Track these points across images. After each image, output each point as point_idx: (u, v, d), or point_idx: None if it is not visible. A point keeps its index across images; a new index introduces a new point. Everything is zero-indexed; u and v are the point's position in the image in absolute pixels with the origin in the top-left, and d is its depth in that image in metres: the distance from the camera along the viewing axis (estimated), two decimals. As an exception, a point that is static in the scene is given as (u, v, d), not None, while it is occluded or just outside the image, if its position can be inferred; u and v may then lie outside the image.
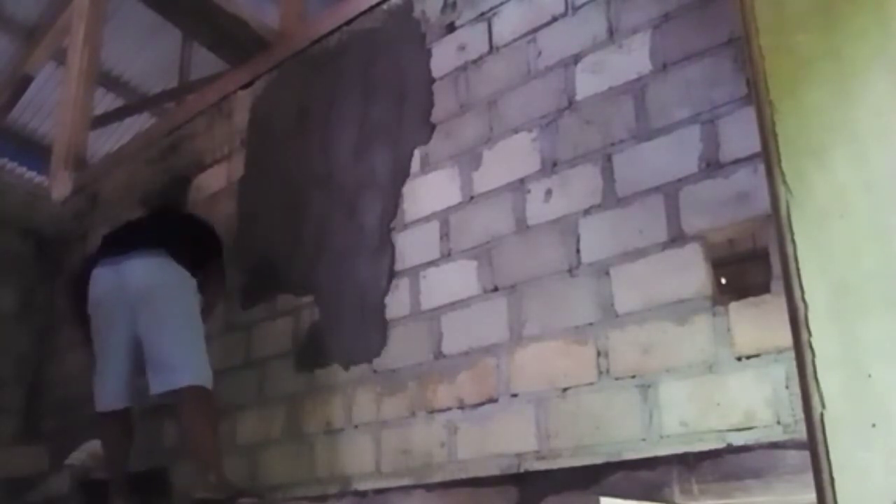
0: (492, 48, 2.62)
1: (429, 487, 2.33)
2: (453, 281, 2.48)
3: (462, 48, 2.70)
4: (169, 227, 2.91)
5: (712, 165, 2.01)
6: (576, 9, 2.42)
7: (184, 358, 2.60)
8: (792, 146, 0.92)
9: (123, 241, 2.79)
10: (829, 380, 0.84)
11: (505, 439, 2.22)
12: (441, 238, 2.57)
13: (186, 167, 3.70)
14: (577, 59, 2.37)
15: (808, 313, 0.87)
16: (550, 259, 2.26)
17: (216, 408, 2.68)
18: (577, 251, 2.22)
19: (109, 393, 2.71)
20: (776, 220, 0.92)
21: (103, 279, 2.71)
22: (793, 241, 0.89)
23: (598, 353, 2.09)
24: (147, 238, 2.73)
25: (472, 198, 2.52)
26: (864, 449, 0.81)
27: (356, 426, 2.62)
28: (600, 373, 2.08)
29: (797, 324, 0.88)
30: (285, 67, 3.43)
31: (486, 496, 2.18)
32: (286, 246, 3.09)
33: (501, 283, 2.36)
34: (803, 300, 0.87)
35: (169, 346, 2.59)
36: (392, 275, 2.67)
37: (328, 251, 2.91)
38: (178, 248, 2.74)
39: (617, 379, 2.04)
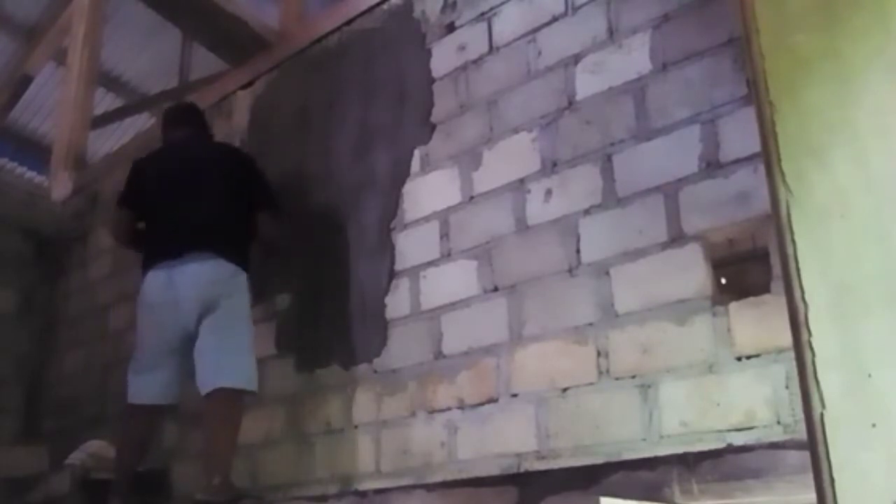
0: (492, 48, 2.62)
1: (429, 487, 2.33)
2: (453, 281, 2.48)
3: (462, 48, 2.70)
4: (217, 201, 2.76)
5: (712, 165, 2.01)
6: (576, 9, 2.42)
7: (229, 359, 2.58)
8: (792, 146, 0.92)
9: (175, 237, 2.70)
10: (829, 380, 0.84)
11: (505, 439, 2.22)
12: (441, 238, 2.57)
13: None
14: (577, 59, 2.37)
15: (808, 313, 0.86)
16: (550, 259, 2.27)
17: (243, 412, 2.64)
18: (577, 251, 2.22)
19: (147, 388, 2.70)
20: (776, 220, 0.92)
21: (156, 284, 2.67)
22: (793, 241, 0.89)
23: (598, 353, 2.09)
24: (199, 236, 2.65)
25: (472, 198, 2.52)
26: (864, 449, 0.81)
27: (356, 426, 2.62)
28: (600, 373, 2.08)
29: (797, 324, 0.88)
30: (285, 67, 3.43)
31: (486, 496, 2.18)
32: (285, 246, 3.09)
33: (501, 283, 2.36)
34: (803, 300, 0.87)
35: (223, 349, 2.58)
36: (392, 275, 2.67)
37: (328, 251, 2.91)
38: (227, 244, 2.69)
39: (617, 379, 2.04)
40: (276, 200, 2.92)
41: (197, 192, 2.76)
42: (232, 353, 2.59)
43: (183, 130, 3.03)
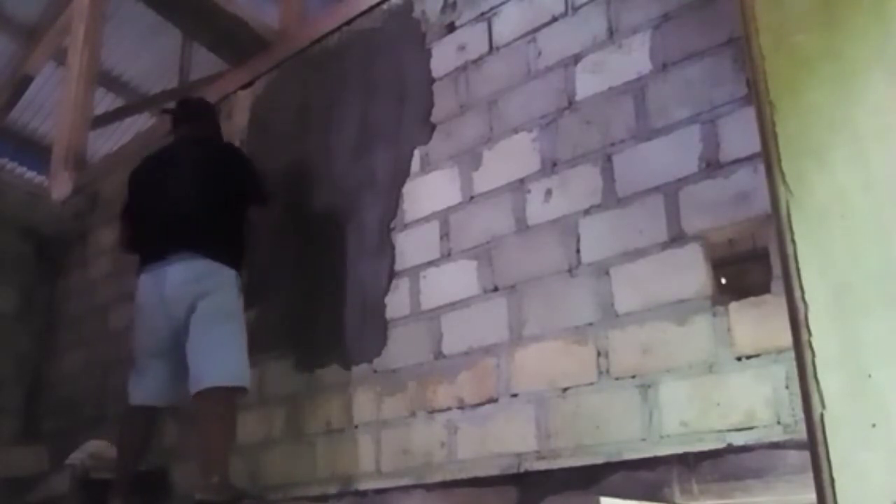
0: (492, 48, 2.62)
1: (429, 487, 2.33)
2: (453, 281, 2.48)
3: (462, 48, 2.70)
4: (205, 203, 2.77)
5: (712, 165, 2.01)
6: (576, 9, 2.42)
7: (221, 357, 2.59)
8: (792, 146, 0.92)
9: (161, 239, 2.73)
10: (829, 380, 0.84)
11: (505, 439, 2.22)
12: (441, 238, 2.57)
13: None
14: (577, 59, 2.37)
15: (808, 313, 0.86)
16: (550, 259, 2.27)
17: (236, 410, 2.65)
18: (577, 251, 2.22)
19: (145, 389, 2.72)
20: (776, 220, 0.92)
21: (146, 286, 2.72)
22: (793, 241, 0.89)
23: (598, 353, 2.09)
24: (182, 237, 2.67)
25: (472, 198, 2.52)
26: (864, 449, 0.80)
27: (356, 426, 2.62)
28: (600, 373, 2.08)
29: (797, 324, 0.88)
30: (285, 67, 3.43)
31: (486, 496, 2.18)
32: (286, 246, 3.09)
33: (501, 283, 2.36)
34: (803, 300, 0.87)
35: (208, 348, 2.59)
36: (392, 275, 2.67)
37: (328, 251, 2.91)
38: (213, 243, 2.70)
39: (617, 379, 2.04)
40: (265, 194, 2.90)
41: (179, 193, 2.78)
42: (219, 351, 2.59)
43: (182, 128, 3.06)
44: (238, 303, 2.72)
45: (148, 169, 2.97)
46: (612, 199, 2.19)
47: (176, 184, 2.82)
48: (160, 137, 3.99)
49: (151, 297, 2.69)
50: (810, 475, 0.86)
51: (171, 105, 3.21)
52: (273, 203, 2.94)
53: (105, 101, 7.00)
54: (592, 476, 1.98)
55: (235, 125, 3.53)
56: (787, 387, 1.75)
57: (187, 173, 2.84)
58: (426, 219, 2.63)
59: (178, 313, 2.62)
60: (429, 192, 2.65)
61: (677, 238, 2.03)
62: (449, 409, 2.38)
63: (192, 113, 3.11)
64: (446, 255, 2.54)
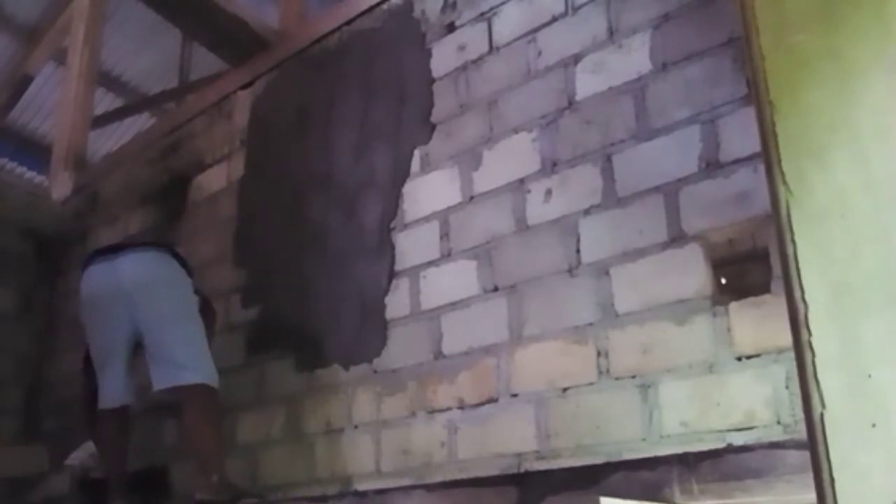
0: (492, 48, 2.62)
1: (429, 487, 2.33)
2: (453, 281, 2.48)
3: (462, 48, 2.70)
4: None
5: (712, 165, 2.01)
6: (576, 9, 2.42)
7: (189, 354, 2.56)
8: (792, 146, 0.92)
9: (116, 245, 2.76)
10: (829, 380, 0.84)
11: (505, 439, 2.22)
12: (441, 238, 2.57)
13: (186, 167, 3.70)
14: (577, 59, 2.37)
15: (808, 313, 0.86)
16: (550, 259, 2.26)
17: (220, 407, 2.65)
18: (577, 251, 2.22)
19: (109, 391, 2.67)
20: (776, 220, 0.92)
21: (98, 275, 2.65)
22: (793, 241, 0.89)
23: (598, 353, 2.09)
24: (140, 237, 2.71)
25: (472, 198, 2.52)
26: (864, 449, 0.80)
27: (356, 426, 2.62)
28: (600, 373, 2.08)
29: (797, 324, 0.88)
30: (285, 67, 3.43)
31: (486, 496, 2.18)
32: (286, 246, 3.09)
33: (501, 283, 2.36)
34: (803, 300, 0.87)
35: (172, 342, 2.56)
36: (392, 275, 2.66)
37: (328, 251, 2.91)
38: (171, 248, 2.72)
39: (617, 379, 2.04)
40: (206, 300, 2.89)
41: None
42: (190, 349, 2.58)
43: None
44: (195, 302, 2.70)
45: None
46: (612, 199, 2.19)
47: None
48: (160, 137, 4.01)
49: (106, 285, 2.62)
50: (810, 475, 0.86)
51: None
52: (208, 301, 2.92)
53: (105, 101, 7.00)
54: (592, 476, 1.98)
55: (235, 125, 3.53)
56: (787, 387, 1.75)
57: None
58: (426, 219, 2.63)
59: (138, 299, 2.56)
60: (429, 192, 2.65)
61: (677, 238, 2.03)
62: (449, 409, 2.38)
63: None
64: (446, 255, 2.54)
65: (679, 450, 1.87)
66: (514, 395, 2.24)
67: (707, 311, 1.93)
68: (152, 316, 2.58)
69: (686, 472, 1.84)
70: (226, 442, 2.81)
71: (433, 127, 2.70)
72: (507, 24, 2.59)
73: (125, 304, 2.58)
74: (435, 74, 2.76)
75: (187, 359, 2.55)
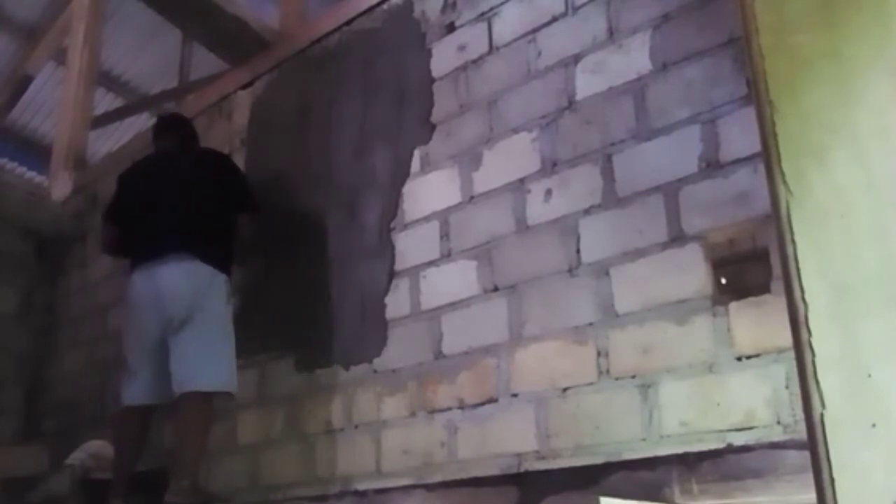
0: (492, 48, 2.62)
1: (429, 487, 2.33)
2: (453, 281, 2.48)
3: (462, 48, 2.70)
4: (196, 208, 2.82)
5: (712, 165, 2.01)
6: (576, 9, 2.42)
7: (208, 361, 2.64)
8: (792, 146, 0.92)
9: (156, 239, 2.77)
10: (829, 380, 0.84)
11: (505, 439, 2.22)
12: (441, 238, 2.57)
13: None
14: (577, 59, 2.37)
15: (808, 313, 0.86)
16: (550, 259, 2.26)
17: (213, 418, 2.72)
18: (577, 251, 2.22)
19: (138, 389, 2.74)
20: (776, 220, 0.92)
21: (139, 283, 2.76)
22: (793, 241, 0.89)
23: (598, 353, 2.09)
24: (178, 238, 2.72)
25: (472, 198, 2.52)
26: (864, 449, 0.80)
27: (356, 426, 2.62)
28: (600, 373, 2.08)
29: (797, 324, 0.87)
30: (285, 67, 3.43)
31: (486, 496, 2.18)
32: (286, 246, 3.09)
33: (501, 283, 2.36)
34: (803, 300, 0.87)
35: (196, 350, 2.64)
36: (392, 275, 2.67)
37: (328, 251, 2.91)
38: (206, 246, 2.75)
39: (617, 379, 2.04)
40: (254, 202, 2.97)
41: (174, 198, 2.84)
42: (208, 356, 2.65)
43: (166, 139, 3.10)
44: (228, 309, 2.78)
45: (139, 172, 3.01)
46: (612, 199, 2.19)
47: (170, 187, 2.87)
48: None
49: (146, 295, 2.72)
50: (810, 475, 0.86)
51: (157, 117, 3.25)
52: (259, 214, 2.99)
53: (105, 101, 7.00)
54: (592, 476, 1.98)
55: (235, 125, 3.53)
56: (787, 387, 1.75)
57: (181, 177, 2.89)
58: (426, 219, 2.63)
59: (172, 312, 2.65)
60: (429, 192, 2.65)
61: (677, 238, 2.03)
62: (449, 409, 2.38)
63: (174, 125, 3.18)
64: (446, 255, 2.54)
65: (679, 450, 1.87)
66: (514, 395, 2.24)
67: (707, 311, 1.93)
68: (181, 326, 2.65)
69: (686, 472, 1.84)
70: (224, 442, 2.83)
71: (433, 127, 2.70)
72: (507, 24, 2.59)
73: (159, 313, 2.68)
74: (435, 74, 2.76)
75: (205, 365, 2.63)
